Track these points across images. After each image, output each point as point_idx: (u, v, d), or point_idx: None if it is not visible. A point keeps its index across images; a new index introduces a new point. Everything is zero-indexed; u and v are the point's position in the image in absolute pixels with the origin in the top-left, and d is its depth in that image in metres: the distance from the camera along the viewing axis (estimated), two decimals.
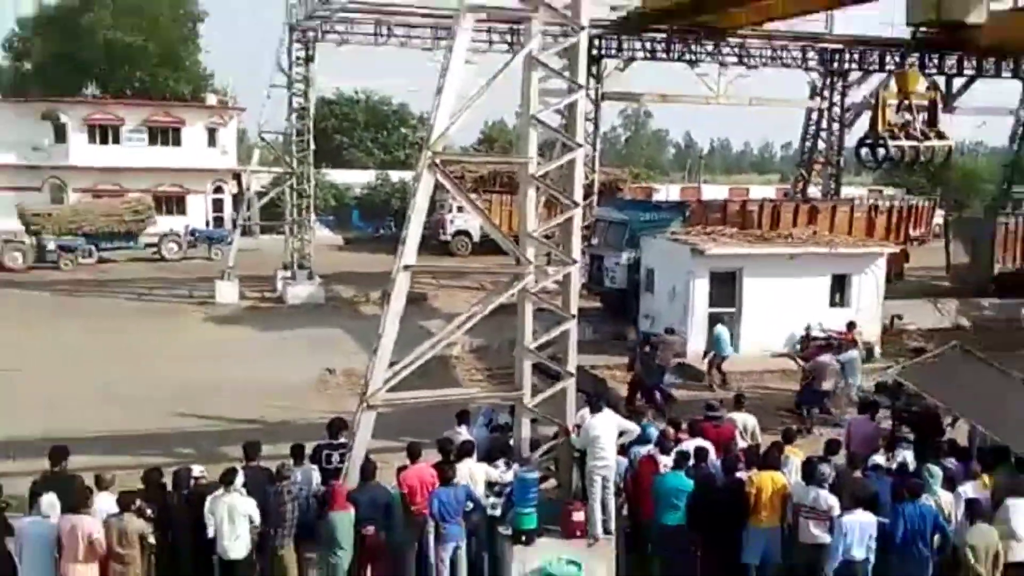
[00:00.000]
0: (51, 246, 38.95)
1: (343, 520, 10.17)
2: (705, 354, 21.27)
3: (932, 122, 27.54)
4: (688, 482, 11.00)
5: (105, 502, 9.84)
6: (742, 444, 12.67)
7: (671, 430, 12.49)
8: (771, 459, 11.30)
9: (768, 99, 39.65)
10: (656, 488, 11.12)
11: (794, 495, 10.73)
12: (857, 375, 18.68)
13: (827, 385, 17.99)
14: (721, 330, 20.96)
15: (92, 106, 52.06)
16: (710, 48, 34.47)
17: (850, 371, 18.53)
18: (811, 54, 36.38)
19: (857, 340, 20.08)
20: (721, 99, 35.89)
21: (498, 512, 11.10)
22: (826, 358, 18.27)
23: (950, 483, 11.01)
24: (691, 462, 11.28)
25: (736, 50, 34.86)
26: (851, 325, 20.88)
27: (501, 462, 11.42)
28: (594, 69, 32.95)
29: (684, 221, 28.76)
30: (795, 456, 11.72)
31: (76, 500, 9.55)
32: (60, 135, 49.82)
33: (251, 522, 10.00)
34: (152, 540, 9.97)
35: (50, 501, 9.50)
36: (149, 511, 9.99)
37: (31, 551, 9.38)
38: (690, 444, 11.81)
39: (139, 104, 52.44)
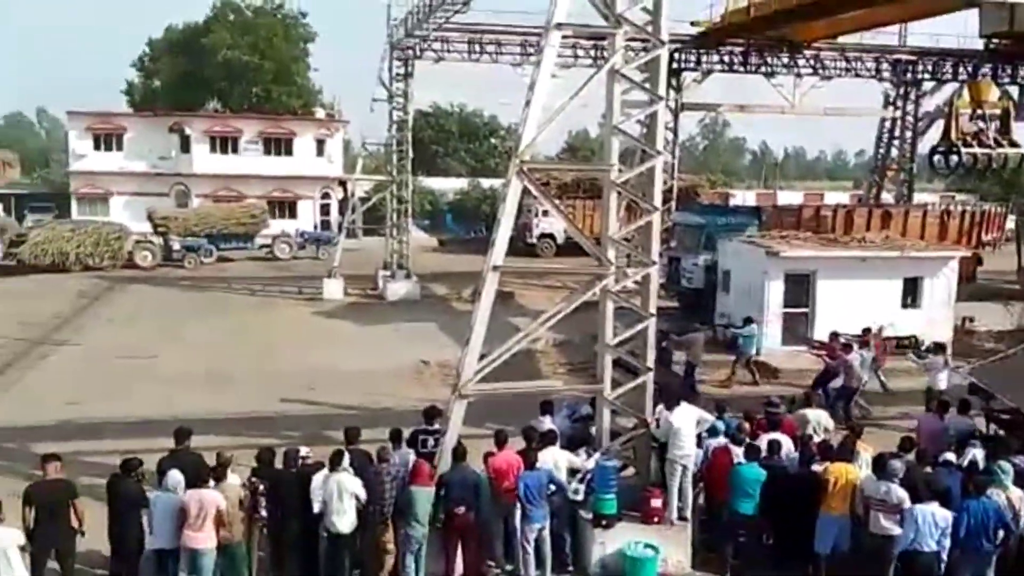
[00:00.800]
0: (177, 246, 40.22)
1: (421, 495, 10.28)
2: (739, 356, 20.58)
3: (1005, 130, 26.53)
4: (762, 473, 10.83)
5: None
6: (816, 438, 12.38)
7: (746, 424, 12.32)
8: (845, 451, 11.05)
9: (842, 109, 38.60)
10: (733, 478, 10.99)
11: (865, 488, 10.45)
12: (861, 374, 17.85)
13: (851, 381, 17.43)
14: (751, 329, 20.48)
15: (213, 119, 53.65)
16: (786, 60, 33.80)
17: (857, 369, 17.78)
18: (884, 65, 35.35)
19: (870, 343, 19.18)
20: (796, 109, 35.12)
21: (579, 497, 11.11)
22: (850, 356, 17.70)
23: (1022, 480, 10.60)
24: (763, 454, 11.10)
25: (811, 61, 34.11)
26: (866, 330, 20.00)
27: (582, 450, 11.43)
28: (674, 81, 32.64)
29: (760, 225, 28.26)
30: (865, 451, 11.42)
31: (201, 476, 9.95)
32: (185, 146, 51.41)
33: (357, 500, 10.20)
34: (264, 513, 10.29)
35: (175, 477, 9.88)
36: (262, 487, 10.30)
37: (159, 521, 9.77)
38: (767, 437, 11.63)
39: (255, 117, 53.78)
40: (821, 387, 17.64)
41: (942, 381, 17.09)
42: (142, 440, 13.05)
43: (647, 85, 11.64)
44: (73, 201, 50.66)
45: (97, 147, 51.09)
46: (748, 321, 20.40)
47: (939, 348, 18.49)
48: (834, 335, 18.96)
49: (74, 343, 24.33)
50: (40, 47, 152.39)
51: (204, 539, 9.62)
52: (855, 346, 18.14)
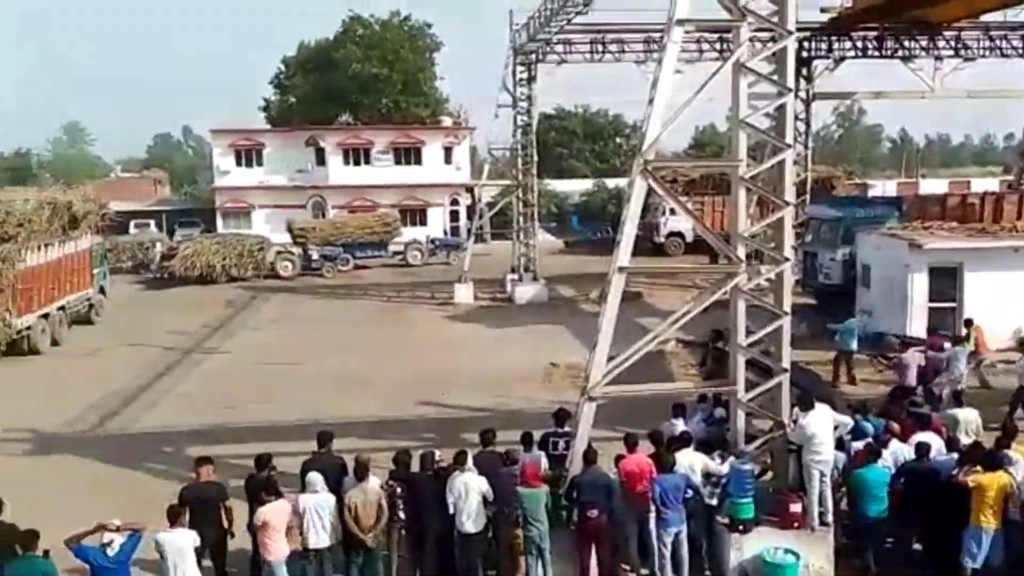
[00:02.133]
0: (315, 256, 41.78)
1: (530, 497, 10.28)
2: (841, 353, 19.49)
3: None
4: (886, 474, 10.43)
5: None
6: (965, 440, 11.72)
7: (895, 425, 11.80)
8: (995, 458, 10.34)
9: (987, 91, 36.26)
10: (856, 481, 10.63)
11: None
12: (955, 371, 16.48)
13: (911, 381, 16.24)
14: (851, 324, 19.42)
15: (346, 132, 55.39)
16: (924, 42, 32.13)
17: (952, 366, 16.49)
18: None
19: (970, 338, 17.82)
20: (937, 93, 33.30)
21: (715, 502, 10.90)
22: (908, 355, 16.62)
23: None
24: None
25: (951, 43, 32.29)
26: (968, 322, 18.60)
27: (716, 454, 11.20)
28: (804, 70, 31.59)
29: (901, 216, 27.02)
30: (1020, 455, 10.69)
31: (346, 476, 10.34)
32: (320, 159, 53.27)
33: (484, 499, 10.31)
34: (402, 515, 10.53)
35: (313, 479, 10.22)
36: (399, 489, 10.55)
37: (311, 519, 10.10)
38: (915, 438, 11.11)
39: (385, 128, 55.18)
40: (922, 385, 16.64)
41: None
42: (287, 443, 13.59)
43: (775, 76, 11.30)
44: (218, 215, 53.30)
45: (239, 163, 53.61)
46: (848, 316, 19.44)
47: None
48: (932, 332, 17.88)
49: (223, 351, 25.64)
50: (184, 70, 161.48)
51: (277, 550, 9.87)
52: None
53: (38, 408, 19.10)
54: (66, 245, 27.36)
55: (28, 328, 24.55)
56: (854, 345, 19.36)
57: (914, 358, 16.61)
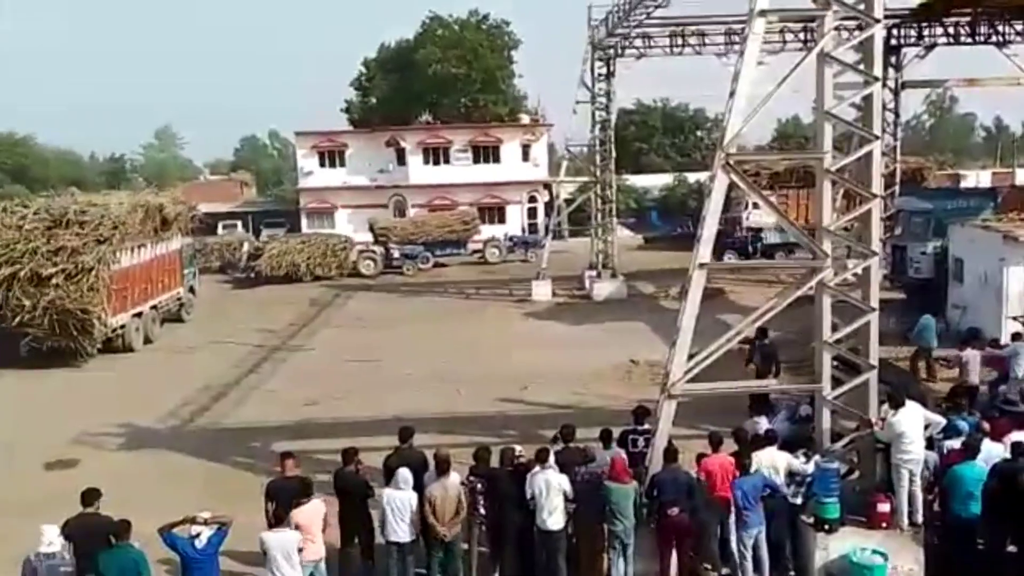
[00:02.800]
0: (396, 254, 42.36)
1: (618, 492, 10.22)
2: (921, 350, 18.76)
3: None
4: (983, 471, 10.10)
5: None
6: None
7: (986, 424, 11.37)
8: None
9: None
10: (952, 478, 10.31)
11: None
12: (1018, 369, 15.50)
13: (974, 379, 15.55)
14: (928, 321, 18.63)
15: (425, 132, 55.97)
16: (1020, 27, 30.79)
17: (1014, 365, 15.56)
18: None
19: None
20: None
21: (799, 501, 10.68)
22: (968, 352, 15.85)
23: None
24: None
25: None
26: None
27: (800, 452, 10.96)
28: (892, 59, 30.66)
29: (995, 208, 26.02)
30: None
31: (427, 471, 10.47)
32: (401, 159, 53.94)
33: (565, 497, 10.31)
34: (482, 511, 10.60)
35: (404, 475, 10.37)
36: (479, 484, 10.63)
37: (394, 516, 10.24)
38: (1011, 437, 10.69)
39: (464, 127, 55.57)
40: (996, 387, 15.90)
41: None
42: (370, 438, 13.78)
43: (861, 66, 11.00)
44: (303, 215, 54.46)
45: (322, 164, 54.67)
46: (924, 313, 18.68)
47: None
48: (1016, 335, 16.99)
49: (308, 348, 26.22)
50: (269, 74, 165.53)
51: (315, 551, 9.92)
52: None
53: (132, 404, 19.83)
54: (158, 246, 28.33)
55: (122, 327, 25.50)
56: (934, 342, 18.70)
57: (975, 356, 15.96)
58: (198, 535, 9.25)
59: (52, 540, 9.18)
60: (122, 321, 25.46)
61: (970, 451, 10.43)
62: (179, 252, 30.42)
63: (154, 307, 27.86)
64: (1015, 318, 18.28)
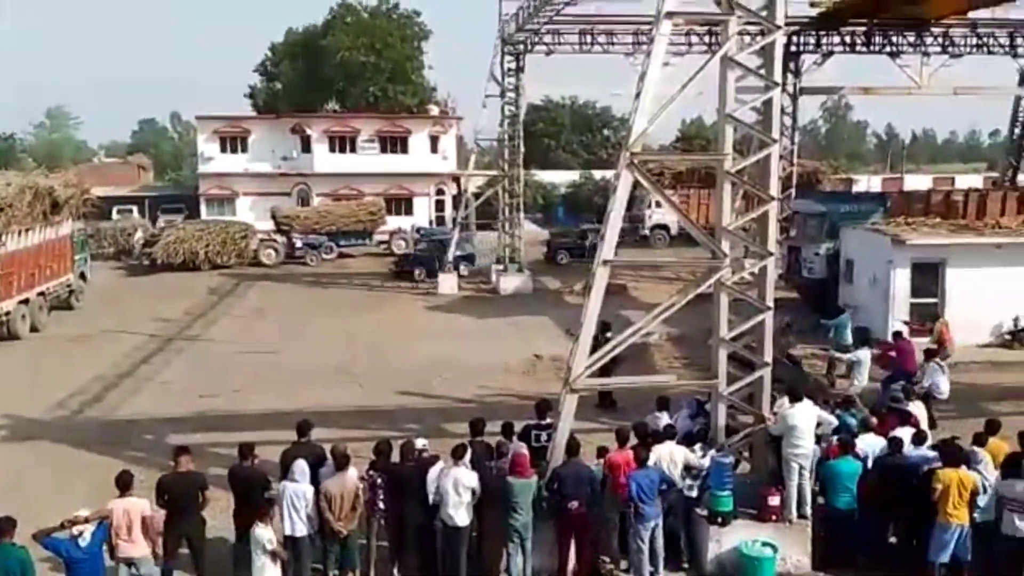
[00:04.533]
0: (299, 244, 41.55)
1: (519, 486, 10.27)
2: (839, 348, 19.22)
3: None
4: (857, 466, 10.61)
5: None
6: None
7: (873, 419, 11.88)
8: (952, 454, 10.33)
9: (974, 88, 36.28)
10: (825, 472, 10.79)
11: (999, 488, 9.92)
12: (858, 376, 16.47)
13: (863, 380, 16.32)
14: (845, 319, 19.48)
15: (332, 120, 55.05)
16: (912, 38, 32.18)
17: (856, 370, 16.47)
18: (1020, 40, 33.15)
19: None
20: (924, 89, 33.38)
21: (694, 494, 10.94)
22: (859, 353, 16.64)
23: None
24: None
25: (939, 39, 32.36)
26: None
27: (698, 447, 11.24)
28: (792, 65, 31.64)
29: (885, 212, 27.21)
30: (986, 452, 10.68)
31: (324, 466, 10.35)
32: (306, 146, 52.92)
33: (473, 493, 10.31)
34: (382, 505, 10.51)
35: (301, 467, 10.21)
36: (379, 479, 10.53)
37: (289, 509, 10.06)
38: (895, 433, 11.18)
39: (372, 117, 54.86)
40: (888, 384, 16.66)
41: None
42: (267, 432, 13.53)
43: (762, 71, 11.31)
44: (202, 202, 52.94)
45: (224, 150, 53.19)
46: (839, 311, 19.48)
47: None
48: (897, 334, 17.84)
49: (204, 338, 25.51)
50: (171, 55, 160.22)
51: (135, 548, 9.56)
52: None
53: (17, 394, 18.95)
54: (47, 230, 27.10)
55: (7, 313, 24.35)
56: (850, 339, 19.25)
57: (866, 355, 16.45)
58: (80, 534, 8.91)
59: None
60: (7, 308, 24.29)
61: (844, 446, 10.86)
62: (70, 237, 29.18)
63: (41, 294, 26.65)
64: (905, 322, 18.99)
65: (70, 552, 8.85)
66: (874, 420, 11.95)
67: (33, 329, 25.65)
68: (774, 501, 10.69)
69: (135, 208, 53.15)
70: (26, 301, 25.45)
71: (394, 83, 60.23)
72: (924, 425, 12.30)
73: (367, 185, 51.10)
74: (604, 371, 11.84)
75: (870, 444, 11.16)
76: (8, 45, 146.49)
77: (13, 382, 20.32)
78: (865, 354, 16.46)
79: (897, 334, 17.33)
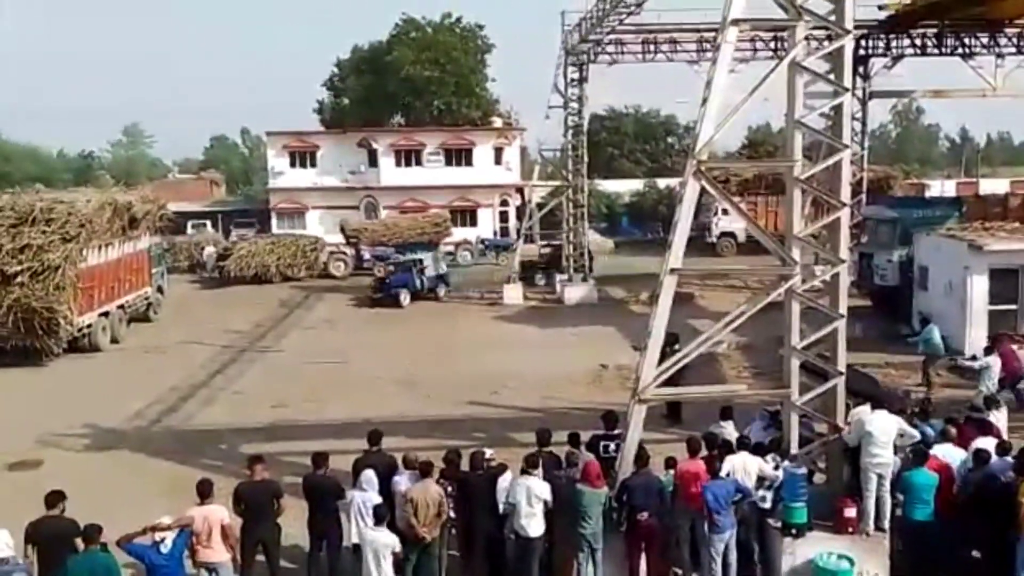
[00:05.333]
0: (367, 256, 42.10)
1: (589, 496, 10.20)
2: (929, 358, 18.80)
3: None
4: (934, 477, 10.25)
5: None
6: None
7: (952, 430, 11.53)
8: None
9: None
10: (903, 484, 10.44)
11: None
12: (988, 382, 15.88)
13: (991, 386, 15.69)
14: (932, 329, 18.83)
15: (398, 134, 55.77)
16: (985, 40, 31.37)
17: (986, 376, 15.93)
18: None
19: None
20: (999, 91, 32.41)
21: (768, 505, 10.74)
22: (989, 359, 16.10)
23: None
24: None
25: (1013, 40, 31.48)
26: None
27: (770, 457, 11.03)
28: (861, 69, 31.07)
29: (960, 217, 26.42)
30: None
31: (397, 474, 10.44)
32: (373, 160, 53.68)
33: (545, 504, 10.28)
34: (452, 514, 10.56)
35: (368, 477, 10.33)
36: (449, 488, 10.58)
37: (357, 516, 10.22)
38: (976, 444, 10.83)
39: (436, 130, 55.45)
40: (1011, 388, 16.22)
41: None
42: (338, 441, 13.71)
43: (831, 76, 11.11)
44: (273, 216, 54.04)
45: (293, 164, 54.29)
46: (925, 322, 18.90)
47: None
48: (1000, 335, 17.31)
49: (276, 349, 26.00)
50: (242, 72, 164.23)
51: (215, 554, 9.70)
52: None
53: (97, 404, 19.54)
54: (126, 245, 27.98)
55: (89, 326, 25.16)
56: (942, 349, 18.68)
57: (996, 362, 16.08)
58: (162, 540, 9.13)
59: (2, 544, 8.96)
60: (88, 320, 25.12)
61: (919, 457, 10.54)
62: (147, 251, 30.08)
63: (121, 307, 27.51)
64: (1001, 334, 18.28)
65: (152, 558, 9.07)
66: (953, 431, 11.59)
67: (113, 341, 26.48)
68: (850, 513, 10.42)
69: (209, 222, 54.57)
70: (106, 314, 26.29)
71: (458, 96, 60.78)
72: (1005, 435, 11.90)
73: (433, 197, 51.60)
74: (671, 382, 11.73)
75: (949, 456, 10.82)
76: (89, 67, 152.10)
77: (94, 393, 21.00)
78: (996, 360, 16.06)
79: (996, 338, 16.90)
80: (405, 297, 32.76)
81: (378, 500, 10.23)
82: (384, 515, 9.80)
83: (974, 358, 17.22)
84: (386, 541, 9.59)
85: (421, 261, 33.95)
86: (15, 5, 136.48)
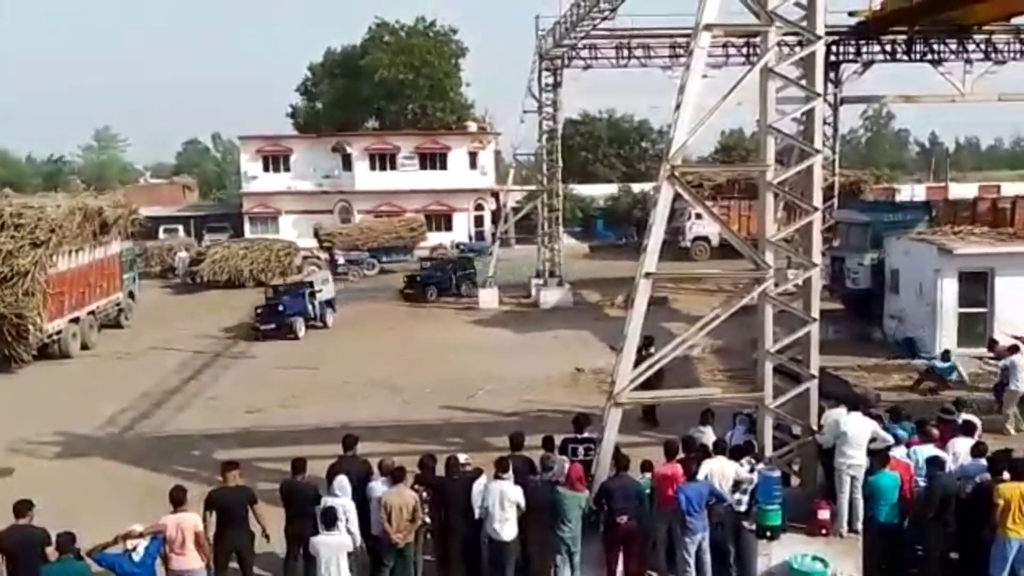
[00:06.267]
0: (341, 260, 42.00)
1: (570, 499, 10.22)
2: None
3: None
4: (895, 478, 10.40)
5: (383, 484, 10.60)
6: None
7: (934, 431, 11.67)
8: (1017, 467, 10.04)
9: (1019, 94, 35.66)
10: (869, 488, 10.55)
11: None
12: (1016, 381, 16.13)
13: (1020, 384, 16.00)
14: (954, 363, 18.73)
15: (372, 138, 55.66)
16: (954, 46, 31.75)
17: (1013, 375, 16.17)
18: None
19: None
20: (968, 97, 32.84)
21: (743, 508, 10.81)
22: (1018, 358, 16.24)
23: None
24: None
25: (982, 46, 31.87)
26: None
27: (745, 460, 11.10)
28: (832, 74, 31.36)
29: (930, 221, 26.75)
30: None
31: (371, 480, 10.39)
32: (347, 164, 53.58)
33: (518, 507, 10.28)
34: (427, 519, 10.53)
35: (340, 483, 10.30)
36: (424, 493, 10.56)
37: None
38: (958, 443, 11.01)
39: (411, 134, 55.44)
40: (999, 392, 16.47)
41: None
42: (313, 447, 13.63)
43: (803, 81, 11.21)
44: (246, 220, 53.74)
45: (266, 169, 54.07)
46: (946, 355, 18.98)
47: None
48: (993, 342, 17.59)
49: (249, 355, 25.80)
50: (212, 76, 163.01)
51: (188, 561, 9.61)
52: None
53: (68, 411, 19.31)
54: (97, 250, 27.69)
55: (59, 332, 24.86)
56: (967, 380, 18.55)
57: (1021, 361, 16.15)
58: (134, 548, 9.04)
59: None
60: (59, 326, 24.82)
61: (881, 460, 10.63)
62: (119, 256, 29.78)
63: (92, 312, 27.21)
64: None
65: (124, 567, 8.98)
66: (936, 432, 11.69)
67: (84, 347, 26.17)
68: (824, 514, 10.51)
69: (181, 227, 54.11)
70: (77, 320, 25.98)
71: (432, 100, 60.77)
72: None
73: (407, 201, 51.57)
74: (648, 385, 11.77)
75: (925, 455, 10.92)
76: (58, 70, 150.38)
77: (65, 399, 20.74)
78: (1020, 359, 16.16)
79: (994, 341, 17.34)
80: (301, 327, 28.16)
81: (351, 505, 10.18)
82: (334, 518, 9.78)
83: (994, 357, 17.37)
84: (339, 542, 9.58)
85: (312, 284, 29.55)
86: None
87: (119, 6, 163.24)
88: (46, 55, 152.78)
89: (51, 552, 8.92)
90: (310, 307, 27.10)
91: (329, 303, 27.64)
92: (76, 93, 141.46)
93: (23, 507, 9.33)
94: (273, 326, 27.70)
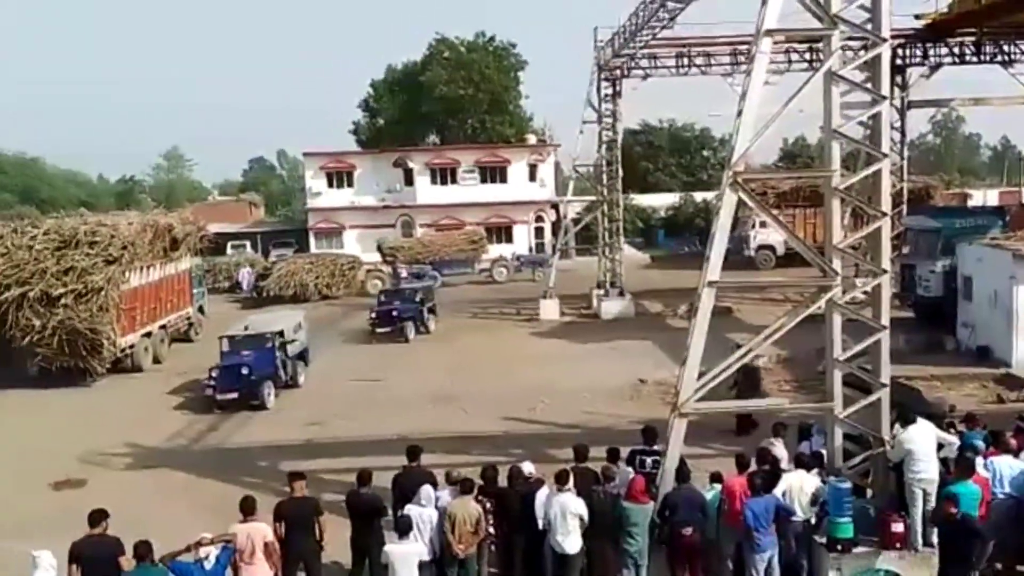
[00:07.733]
0: (404, 273, 42.34)
1: (636, 512, 10.12)
2: None
3: None
4: (976, 489, 9.99)
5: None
6: None
7: (1012, 440, 11.25)
8: None
9: None
10: (944, 497, 10.10)
11: None
12: None
13: None
14: None
15: (433, 152, 56.20)
16: None
17: None
18: None
19: None
20: None
21: (813, 520, 10.55)
22: None
23: None
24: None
25: None
26: None
27: (815, 472, 10.83)
28: (899, 78, 30.66)
29: (1004, 226, 25.95)
30: None
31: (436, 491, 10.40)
32: (408, 179, 54.11)
33: (581, 520, 10.20)
34: (491, 530, 10.51)
35: (427, 493, 10.36)
36: (488, 504, 10.54)
37: (415, 531, 10.15)
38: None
39: (471, 148, 55.80)
40: None
41: None
42: (376, 458, 13.71)
43: (868, 85, 10.98)
44: (311, 236, 54.59)
45: (331, 185, 54.90)
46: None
47: None
48: None
49: (313, 368, 26.08)
50: (278, 95, 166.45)
51: (258, 571, 9.71)
52: None
53: (140, 424, 19.82)
54: (167, 266, 28.40)
55: (131, 347, 25.53)
56: None
57: None
58: (206, 557, 9.19)
59: (46, 565, 9.11)
60: (131, 341, 25.49)
61: (964, 470, 10.29)
62: (188, 272, 30.48)
63: (163, 327, 27.89)
64: None
65: (195, 574, 9.13)
66: (1013, 441, 11.28)
67: (156, 361, 26.83)
68: (897, 527, 10.20)
69: (248, 243, 55.22)
70: (148, 334, 26.66)
71: (492, 114, 61.15)
72: None
73: (468, 215, 51.84)
74: (741, 394, 11.50)
75: (1002, 466, 10.55)
76: (128, 95, 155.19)
77: (137, 412, 21.28)
78: None
79: None
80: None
81: (435, 515, 10.25)
82: (408, 527, 9.83)
83: None
84: (412, 551, 9.62)
85: (282, 333, 23.16)
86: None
87: (186, 33, 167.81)
88: (115, 80, 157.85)
89: (124, 561, 9.11)
90: (280, 366, 22.93)
91: (302, 356, 24.85)
92: (145, 113, 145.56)
93: (98, 517, 9.55)
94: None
